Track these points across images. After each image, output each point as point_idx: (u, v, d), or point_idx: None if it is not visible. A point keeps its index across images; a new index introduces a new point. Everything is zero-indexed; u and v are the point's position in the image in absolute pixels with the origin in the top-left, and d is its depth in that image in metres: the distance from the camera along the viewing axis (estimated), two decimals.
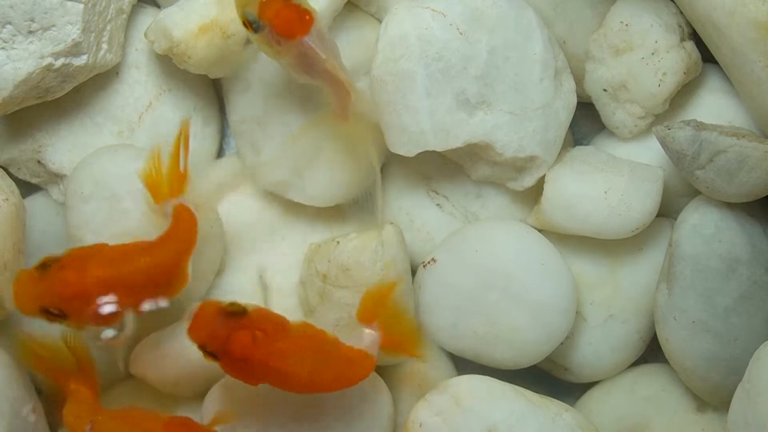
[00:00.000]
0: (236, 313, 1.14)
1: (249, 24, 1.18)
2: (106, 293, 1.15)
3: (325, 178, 1.33)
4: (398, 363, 1.33)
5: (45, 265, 1.14)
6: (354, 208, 1.34)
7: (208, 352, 1.14)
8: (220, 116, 1.41)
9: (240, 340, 1.13)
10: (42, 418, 1.29)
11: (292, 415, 1.24)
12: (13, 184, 1.27)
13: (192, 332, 1.14)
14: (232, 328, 1.13)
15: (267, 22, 1.18)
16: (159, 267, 1.17)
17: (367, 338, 1.20)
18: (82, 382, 1.20)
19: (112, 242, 1.25)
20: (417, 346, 1.23)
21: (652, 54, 1.31)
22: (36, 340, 1.20)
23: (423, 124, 1.28)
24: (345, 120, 1.24)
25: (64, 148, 1.33)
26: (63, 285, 1.14)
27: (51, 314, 1.15)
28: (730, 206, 1.27)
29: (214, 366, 1.26)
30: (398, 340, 1.22)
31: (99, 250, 1.17)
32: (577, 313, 1.31)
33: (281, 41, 1.19)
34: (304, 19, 1.18)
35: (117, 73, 1.34)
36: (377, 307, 1.21)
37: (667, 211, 1.34)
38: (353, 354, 1.18)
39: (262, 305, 1.18)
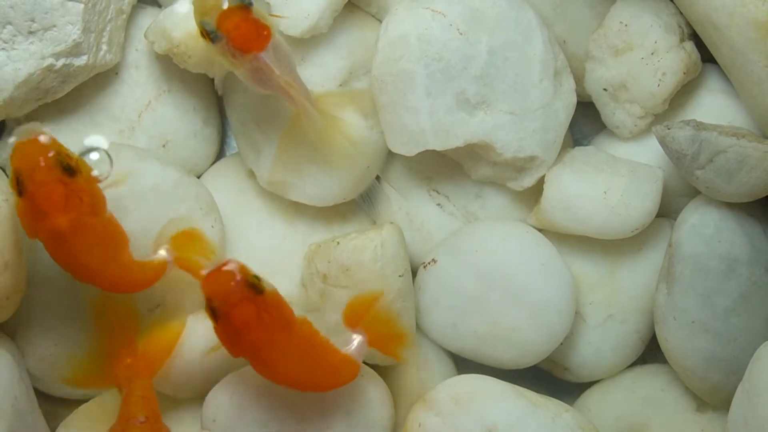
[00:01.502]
0: (255, 287, 1.13)
1: (206, 33, 1.18)
2: None
3: (326, 178, 1.33)
4: (398, 363, 1.33)
5: (18, 178, 1.13)
6: (362, 203, 1.35)
7: (211, 308, 1.13)
8: (221, 117, 1.41)
9: (245, 314, 1.12)
10: (41, 418, 1.29)
11: (293, 414, 1.24)
12: None
13: (206, 282, 1.13)
14: (244, 299, 1.12)
15: (224, 33, 1.18)
16: None
17: (353, 344, 1.21)
18: (143, 363, 1.21)
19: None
20: (403, 349, 1.23)
21: (652, 54, 1.31)
22: (117, 302, 1.21)
23: (423, 123, 1.28)
24: (313, 122, 1.24)
25: None
26: None
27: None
28: (730, 206, 1.27)
29: (214, 367, 1.27)
30: (384, 343, 1.23)
31: None
32: (576, 313, 1.31)
33: (236, 54, 1.19)
34: (261, 34, 1.18)
35: (117, 73, 1.34)
36: (363, 312, 1.22)
37: (666, 211, 1.34)
38: (339, 360, 1.19)
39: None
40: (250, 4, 1.18)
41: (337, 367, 1.19)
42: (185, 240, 1.24)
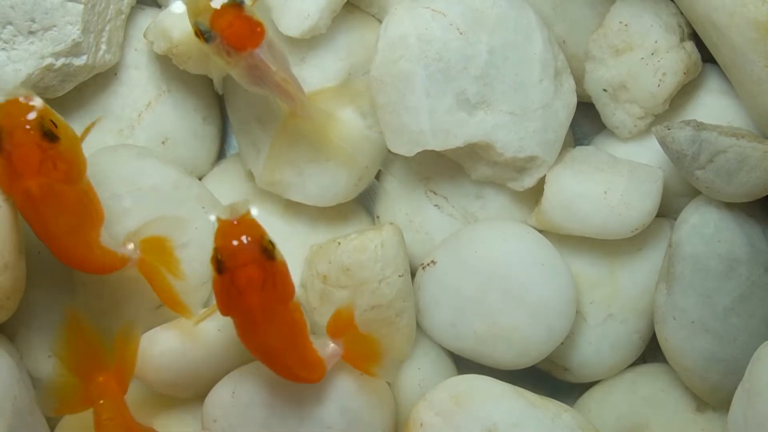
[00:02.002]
0: (268, 252, 1.13)
1: (201, 33, 1.19)
2: None
3: (326, 178, 1.33)
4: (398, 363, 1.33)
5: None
6: (364, 201, 1.36)
7: (218, 259, 1.12)
8: (222, 116, 1.41)
9: (251, 276, 1.12)
10: (41, 418, 1.29)
11: (293, 414, 1.24)
12: None
13: (219, 234, 1.12)
14: (254, 261, 1.12)
15: (218, 32, 1.18)
16: None
17: (328, 350, 1.21)
18: (115, 379, 1.19)
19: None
20: (377, 368, 1.23)
21: (652, 54, 1.31)
22: (86, 320, 1.19)
23: (423, 124, 1.28)
24: (308, 120, 1.25)
25: None
26: None
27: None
28: (730, 206, 1.27)
29: (214, 367, 1.27)
30: (360, 358, 1.23)
31: None
32: (576, 313, 1.31)
33: (231, 53, 1.19)
34: (255, 31, 1.19)
35: (116, 74, 1.35)
36: (345, 325, 1.22)
37: (666, 211, 1.34)
38: (311, 358, 1.19)
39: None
40: (242, 2, 1.19)
41: (306, 363, 1.19)
42: (155, 247, 1.23)
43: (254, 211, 1.15)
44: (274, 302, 1.13)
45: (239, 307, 1.13)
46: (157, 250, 1.23)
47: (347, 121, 1.30)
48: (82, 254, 1.18)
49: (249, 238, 1.12)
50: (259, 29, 1.19)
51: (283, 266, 1.14)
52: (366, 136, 1.32)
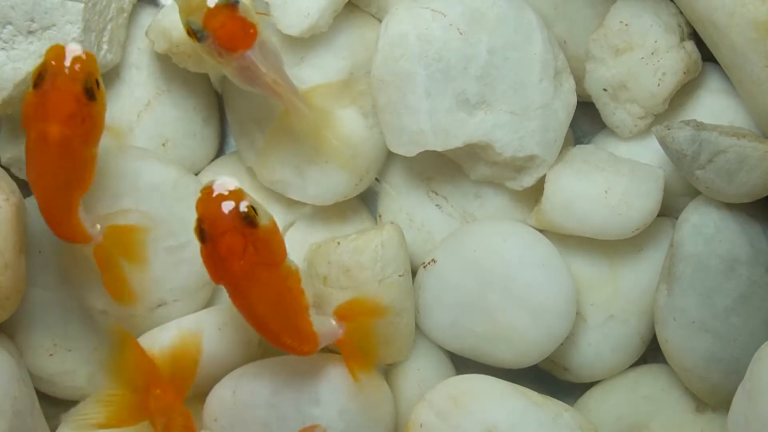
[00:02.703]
0: (249, 218, 1.13)
1: (193, 33, 1.18)
2: None
3: (326, 177, 1.33)
4: (398, 363, 1.33)
5: (41, 74, 1.14)
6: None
7: (200, 228, 1.13)
8: (220, 116, 1.41)
9: (231, 244, 1.12)
10: (41, 418, 1.29)
11: (294, 414, 1.24)
12: (14, 183, 1.27)
13: (200, 202, 1.13)
14: (233, 228, 1.12)
15: (211, 32, 1.17)
16: None
17: (326, 327, 1.20)
18: (172, 390, 1.18)
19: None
20: (362, 369, 1.22)
21: (652, 54, 1.30)
22: (132, 336, 1.20)
23: (423, 124, 1.28)
24: (302, 119, 1.24)
25: None
26: None
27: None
28: (730, 206, 1.27)
29: (215, 366, 1.27)
30: (351, 353, 1.22)
31: None
32: (577, 313, 1.31)
33: (223, 53, 1.18)
34: (248, 33, 1.18)
35: (118, 73, 1.34)
36: (357, 313, 1.22)
37: (667, 211, 1.34)
38: (305, 330, 1.18)
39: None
40: (236, 2, 1.18)
41: (297, 332, 1.18)
42: (121, 235, 1.22)
43: (233, 183, 1.14)
44: (258, 268, 1.14)
45: (225, 274, 1.14)
46: (121, 238, 1.22)
47: (345, 119, 1.30)
48: (57, 216, 1.18)
49: (228, 206, 1.12)
50: (251, 31, 1.18)
51: (268, 232, 1.15)
52: (364, 135, 1.32)
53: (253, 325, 1.17)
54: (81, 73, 1.14)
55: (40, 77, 1.14)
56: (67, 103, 1.13)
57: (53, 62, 1.14)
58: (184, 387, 1.19)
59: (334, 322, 1.21)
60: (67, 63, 1.14)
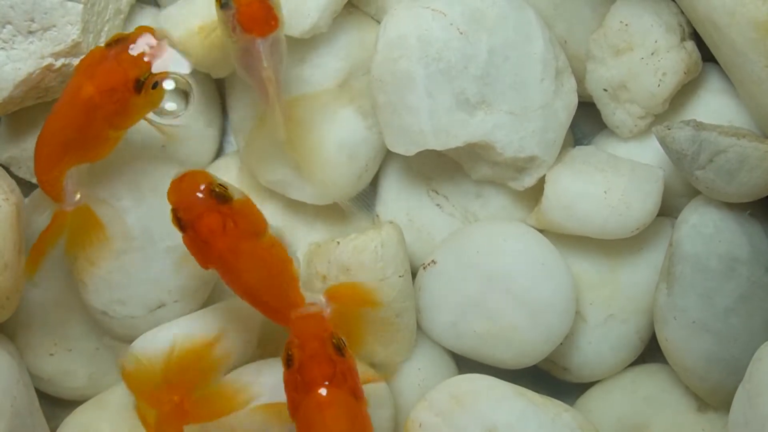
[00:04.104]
0: (221, 196, 1.14)
1: None
2: None
3: (325, 177, 1.33)
4: (398, 363, 1.33)
5: (119, 41, 1.18)
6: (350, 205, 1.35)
7: (177, 218, 1.14)
8: (222, 116, 1.41)
9: (210, 224, 1.13)
10: (41, 418, 1.29)
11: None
12: (14, 183, 1.27)
13: (170, 193, 1.15)
14: (209, 208, 1.13)
15: (236, 5, 1.18)
16: None
17: (315, 305, 1.19)
18: (177, 392, 1.19)
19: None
20: None
21: (652, 54, 1.30)
22: (142, 361, 1.21)
23: (423, 124, 1.28)
24: (276, 127, 1.25)
25: None
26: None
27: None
28: (730, 206, 1.27)
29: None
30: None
31: None
32: (576, 313, 1.31)
33: (237, 29, 1.19)
34: (269, 22, 1.19)
35: None
36: (347, 298, 1.21)
37: (667, 211, 1.34)
38: (297, 299, 1.18)
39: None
40: None
41: (286, 298, 1.18)
42: (85, 221, 1.23)
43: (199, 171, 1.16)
44: (241, 241, 1.14)
45: (211, 256, 1.15)
46: (83, 223, 1.23)
47: (319, 140, 1.30)
48: (45, 161, 1.20)
49: (198, 189, 1.14)
50: (273, 22, 1.19)
51: (242, 204, 1.15)
52: (363, 134, 1.32)
53: (247, 298, 1.17)
54: (141, 64, 1.17)
55: (116, 42, 1.18)
56: (114, 79, 1.16)
57: (129, 40, 1.18)
58: (201, 418, 1.19)
59: (323, 299, 1.21)
60: (137, 50, 1.17)
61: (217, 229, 1.13)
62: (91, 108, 1.17)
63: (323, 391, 1.10)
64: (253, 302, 1.18)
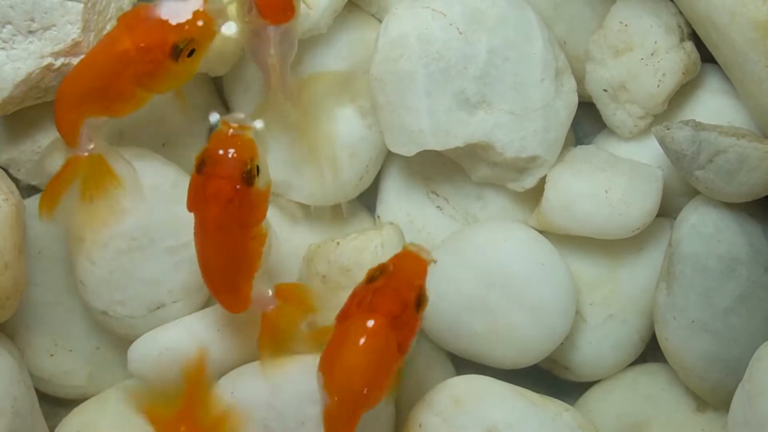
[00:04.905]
0: (249, 178, 1.13)
1: None
2: None
3: (325, 177, 1.33)
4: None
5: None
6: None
7: (202, 158, 1.13)
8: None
9: (221, 190, 1.12)
10: (41, 419, 1.29)
11: (294, 414, 1.24)
12: (13, 184, 1.27)
13: (213, 137, 1.13)
14: (231, 178, 1.12)
15: None
16: None
17: (262, 297, 1.20)
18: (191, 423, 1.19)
19: (111, 243, 1.26)
20: (272, 352, 1.22)
21: (652, 54, 1.30)
22: (150, 389, 1.21)
23: (423, 123, 1.28)
24: (279, 118, 1.25)
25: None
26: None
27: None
28: (730, 206, 1.27)
29: (214, 367, 1.26)
30: (269, 330, 1.22)
31: None
32: (576, 312, 1.31)
33: (253, 12, 1.19)
34: (285, 12, 1.19)
35: None
36: (292, 298, 1.22)
37: (667, 211, 1.34)
38: (242, 292, 1.19)
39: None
40: None
41: (233, 290, 1.19)
42: (97, 164, 1.23)
43: (259, 125, 1.16)
44: (232, 223, 1.14)
45: (200, 211, 1.15)
46: (96, 170, 1.23)
47: (326, 134, 1.30)
48: (66, 105, 1.20)
49: (237, 155, 1.13)
50: (289, 12, 1.20)
51: (259, 196, 1.15)
52: (363, 134, 1.32)
53: (201, 267, 1.18)
54: (183, 31, 1.17)
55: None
56: (152, 39, 1.16)
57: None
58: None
59: (270, 294, 1.21)
60: (183, 16, 1.17)
61: (223, 198, 1.12)
62: (124, 62, 1.17)
63: (378, 321, 1.10)
64: (203, 274, 1.18)
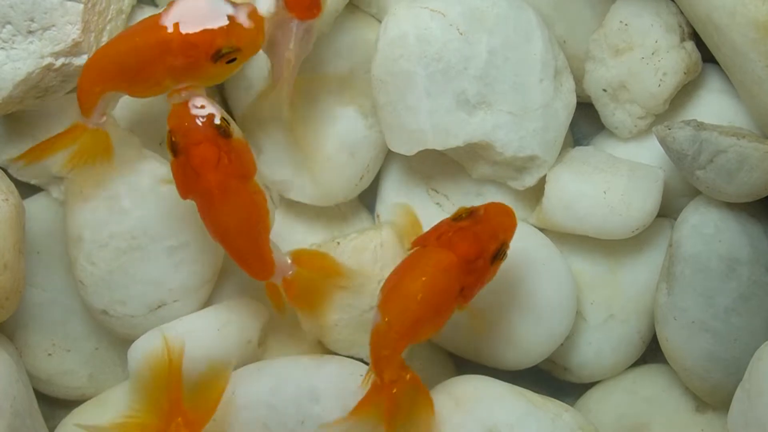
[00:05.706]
0: (222, 129, 1.13)
1: None
2: None
3: (325, 177, 1.33)
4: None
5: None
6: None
7: (172, 141, 1.13)
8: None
9: (205, 154, 1.12)
10: (40, 419, 1.29)
11: (294, 414, 1.24)
12: (12, 184, 1.27)
13: (171, 115, 1.13)
14: (208, 138, 1.12)
15: None
16: None
17: (281, 261, 1.19)
18: (194, 420, 1.17)
19: (111, 243, 1.26)
20: (307, 311, 1.22)
21: (652, 54, 1.30)
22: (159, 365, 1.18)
23: (423, 123, 1.28)
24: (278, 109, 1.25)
25: None
26: None
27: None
28: (730, 206, 1.27)
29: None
30: (296, 294, 1.21)
31: None
32: (577, 313, 1.31)
33: (279, 3, 1.20)
34: (311, 9, 1.20)
35: None
36: (311, 263, 1.21)
37: (667, 211, 1.34)
38: (266, 254, 1.17)
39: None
40: None
41: (261, 257, 1.17)
42: (98, 139, 1.23)
43: (202, 97, 1.15)
44: (231, 179, 1.13)
45: (196, 187, 1.14)
46: (91, 145, 1.23)
47: (322, 133, 1.30)
48: (93, 74, 1.19)
49: (201, 117, 1.13)
50: (316, 11, 1.20)
51: (240, 143, 1.15)
52: (364, 134, 1.32)
53: (220, 239, 1.17)
54: (230, 37, 1.15)
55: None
56: (199, 37, 1.15)
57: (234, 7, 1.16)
58: (204, 418, 1.18)
59: (288, 261, 1.21)
60: (233, 24, 1.15)
61: (211, 160, 1.12)
62: (164, 50, 1.15)
63: (449, 259, 1.11)
64: (224, 243, 1.17)
